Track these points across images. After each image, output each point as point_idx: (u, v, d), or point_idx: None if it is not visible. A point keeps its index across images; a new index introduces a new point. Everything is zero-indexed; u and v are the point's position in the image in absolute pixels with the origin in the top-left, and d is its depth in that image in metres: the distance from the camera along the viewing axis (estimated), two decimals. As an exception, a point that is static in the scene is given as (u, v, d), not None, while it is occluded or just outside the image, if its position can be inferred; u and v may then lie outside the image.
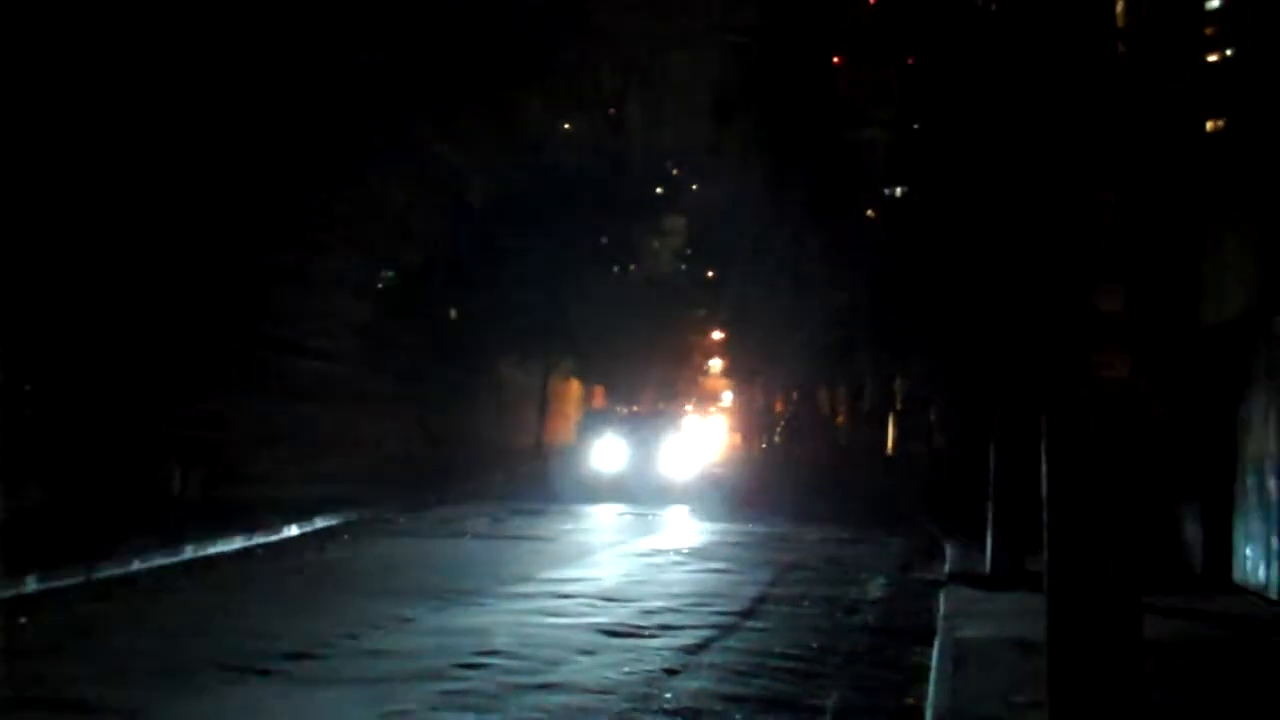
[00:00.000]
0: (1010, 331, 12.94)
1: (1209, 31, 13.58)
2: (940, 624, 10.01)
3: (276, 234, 19.73)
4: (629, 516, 20.03)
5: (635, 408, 45.98)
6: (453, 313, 31.08)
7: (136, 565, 12.14)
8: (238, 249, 18.55)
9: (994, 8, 17.38)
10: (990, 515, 13.00)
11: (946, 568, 13.70)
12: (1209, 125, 13.43)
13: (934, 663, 8.39)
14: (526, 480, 26.75)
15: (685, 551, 15.26)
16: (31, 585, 10.60)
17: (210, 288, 17.98)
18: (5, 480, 12.18)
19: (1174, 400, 12.00)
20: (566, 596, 11.35)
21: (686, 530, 18.29)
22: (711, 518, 19.72)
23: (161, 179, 16.51)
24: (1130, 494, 5.17)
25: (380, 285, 27.65)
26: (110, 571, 11.67)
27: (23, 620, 9.48)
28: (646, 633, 9.65)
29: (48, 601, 10.32)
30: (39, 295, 14.92)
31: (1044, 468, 5.29)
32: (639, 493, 23.01)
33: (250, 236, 18.80)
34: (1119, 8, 9.68)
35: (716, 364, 79.76)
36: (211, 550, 13.46)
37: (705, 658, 8.83)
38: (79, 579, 11.18)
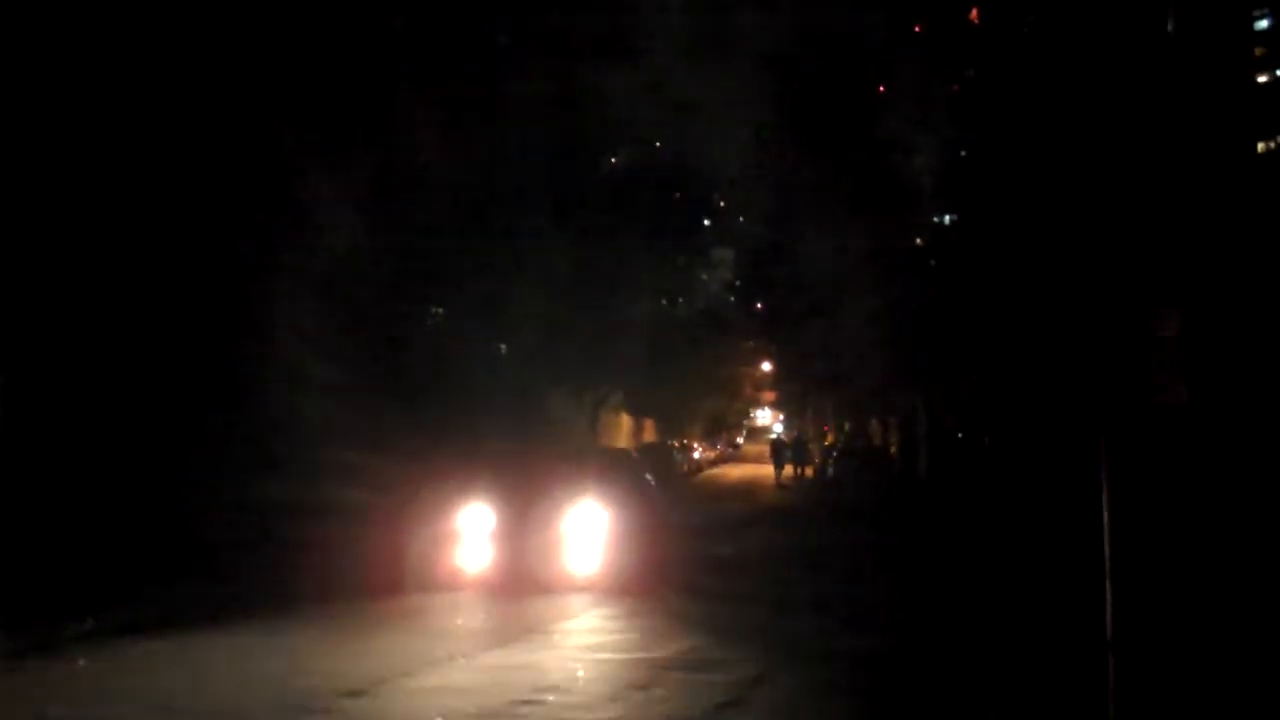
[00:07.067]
0: (1066, 358, 12.81)
1: (1258, 52, 13.43)
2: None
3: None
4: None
5: (685, 440, 45.94)
6: (503, 348, 31.10)
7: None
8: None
9: (1037, 31, 17.30)
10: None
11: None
12: (1260, 147, 13.25)
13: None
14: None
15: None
16: None
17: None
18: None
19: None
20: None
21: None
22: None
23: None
24: (1189, 516, 5.11)
25: (429, 321, 27.71)
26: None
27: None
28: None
29: None
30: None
31: (1103, 493, 5.24)
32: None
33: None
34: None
35: (765, 400, 79.35)
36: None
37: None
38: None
